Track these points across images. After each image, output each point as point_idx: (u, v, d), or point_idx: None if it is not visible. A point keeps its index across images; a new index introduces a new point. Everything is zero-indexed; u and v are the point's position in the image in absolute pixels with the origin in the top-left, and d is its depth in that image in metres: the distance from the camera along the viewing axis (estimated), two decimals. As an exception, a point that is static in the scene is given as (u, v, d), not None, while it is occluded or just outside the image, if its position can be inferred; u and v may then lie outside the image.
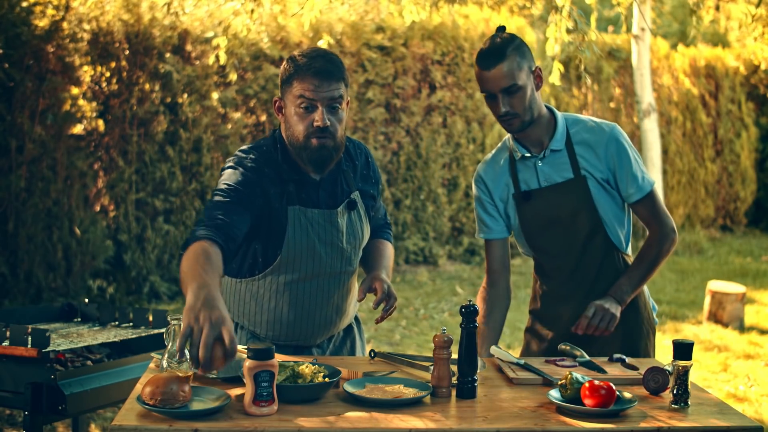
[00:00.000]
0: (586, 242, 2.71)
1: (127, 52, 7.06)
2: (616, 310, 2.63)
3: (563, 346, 2.60)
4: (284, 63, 2.48)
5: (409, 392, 2.14)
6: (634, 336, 2.77)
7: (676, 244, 2.73)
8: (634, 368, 2.44)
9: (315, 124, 2.40)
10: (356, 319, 2.85)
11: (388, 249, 2.79)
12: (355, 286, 2.71)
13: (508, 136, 2.79)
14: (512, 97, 2.59)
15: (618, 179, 2.69)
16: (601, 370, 2.40)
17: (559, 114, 2.73)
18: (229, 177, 2.44)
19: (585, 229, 2.70)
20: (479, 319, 2.77)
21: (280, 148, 2.52)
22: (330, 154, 2.45)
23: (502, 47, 2.59)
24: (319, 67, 2.40)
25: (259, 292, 2.58)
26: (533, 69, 2.63)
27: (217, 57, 5.81)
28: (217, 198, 2.38)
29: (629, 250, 2.81)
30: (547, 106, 2.74)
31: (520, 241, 2.82)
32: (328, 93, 2.40)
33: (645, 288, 2.83)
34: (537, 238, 2.77)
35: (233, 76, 6.01)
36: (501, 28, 2.68)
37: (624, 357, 2.53)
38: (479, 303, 2.84)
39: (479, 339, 2.74)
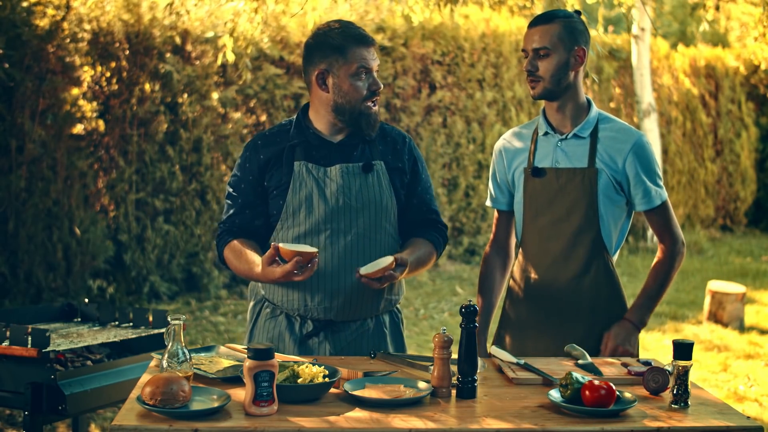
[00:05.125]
0: (578, 233, 2.73)
1: (127, 52, 7.05)
2: (635, 344, 2.71)
3: (567, 348, 2.59)
4: (322, 35, 2.55)
5: (409, 392, 2.14)
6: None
7: (684, 257, 2.78)
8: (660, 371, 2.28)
9: (372, 87, 2.55)
10: (394, 317, 2.77)
11: (425, 246, 2.71)
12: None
13: (541, 112, 2.84)
14: (541, 59, 2.68)
15: (631, 185, 2.72)
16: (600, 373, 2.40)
17: (595, 108, 2.78)
18: (231, 179, 2.67)
19: (581, 220, 2.72)
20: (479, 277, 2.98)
21: (296, 121, 2.64)
22: (378, 116, 2.61)
23: (553, 14, 2.70)
24: (364, 35, 2.55)
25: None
26: (577, 48, 2.68)
27: (224, 57, 5.81)
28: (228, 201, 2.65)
29: (615, 257, 2.82)
30: (587, 98, 2.79)
31: (517, 217, 2.85)
32: (376, 60, 2.57)
33: (621, 286, 2.84)
34: (533, 217, 2.79)
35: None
36: (578, 12, 2.76)
37: (651, 360, 2.51)
38: (482, 265, 2.99)
39: (479, 298, 2.95)
